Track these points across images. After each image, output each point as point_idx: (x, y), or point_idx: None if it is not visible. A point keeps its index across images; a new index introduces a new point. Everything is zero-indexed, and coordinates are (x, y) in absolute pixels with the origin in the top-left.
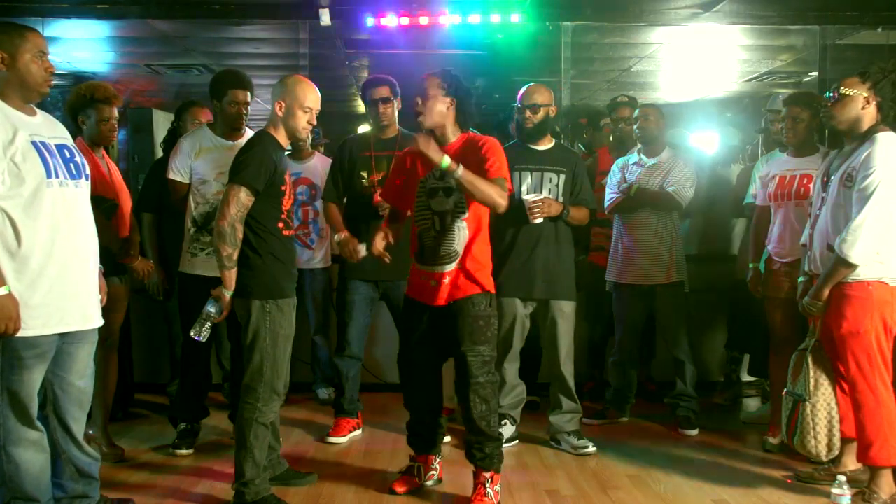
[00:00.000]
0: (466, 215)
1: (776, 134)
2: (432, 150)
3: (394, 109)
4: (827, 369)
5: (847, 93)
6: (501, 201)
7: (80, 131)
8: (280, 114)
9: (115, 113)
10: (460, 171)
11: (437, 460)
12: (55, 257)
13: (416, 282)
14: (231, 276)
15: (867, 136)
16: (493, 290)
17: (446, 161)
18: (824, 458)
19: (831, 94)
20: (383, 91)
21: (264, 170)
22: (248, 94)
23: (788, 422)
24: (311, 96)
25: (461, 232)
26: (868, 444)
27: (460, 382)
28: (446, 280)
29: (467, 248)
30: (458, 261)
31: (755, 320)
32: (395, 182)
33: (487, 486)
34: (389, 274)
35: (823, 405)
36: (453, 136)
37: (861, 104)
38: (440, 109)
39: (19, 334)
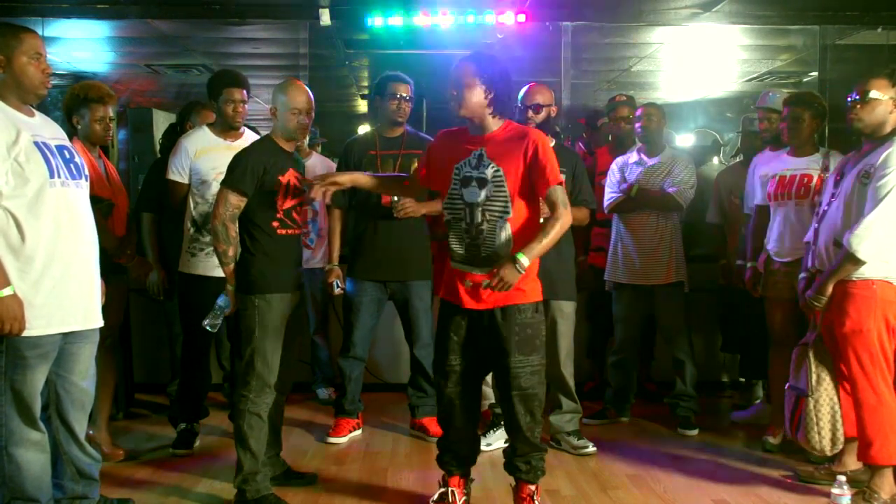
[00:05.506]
0: (511, 216)
1: (765, 132)
2: (508, 273)
3: (409, 110)
4: (829, 364)
5: (876, 96)
6: (570, 223)
7: (75, 131)
8: (274, 118)
9: (110, 112)
10: (526, 261)
11: (470, 484)
12: (58, 257)
13: (450, 280)
14: (230, 271)
15: (888, 137)
16: (540, 298)
17: (525, 262)
18: (828, 453)
19: (857, 96)
20: (406, 89)
21: (250, 172)
22: (245, 92)
23: (792, 417)
24: (297, 98)
25: (505, 234)
26: (869, 442)
27: (504, 393)
28: (486, 283)
29: (512, 252)
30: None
31: (747, 322)
32: (422, 171)
33: (535, 500)
34: (398, 274)
35: (826, 400)
36: (495, 124)
37: (889, 108)
38: (477, 100)
39: (23, 334)
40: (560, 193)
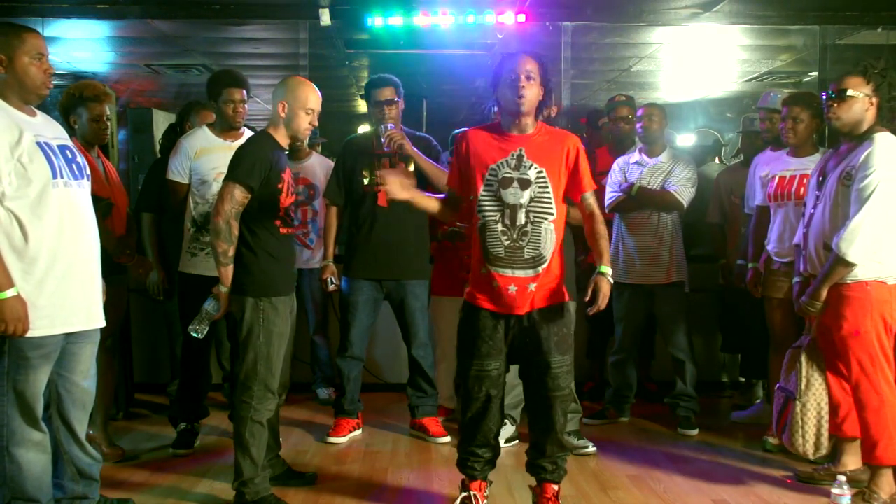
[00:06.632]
0: (555, 217)
1: (766, 132)
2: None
3: (398, 111)
4: (820, 368)
5: (853, 94)
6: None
7: (72, 131)
8: (283, 115)
9: (107, 111)
10: (610, 270)
11: (488, 487)
12: (61, 257)
13: (486, 286)
14: (227, 272)
15: (865, 136)
16: (568, 299)
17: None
18: (811, 457)
19: (833, 94)
20: (388, 93)
21: (258, 168)
22: (244, 92)
23: (779, 417)
24: (312, 98)
25: (550, 235)
26: (873, 443)
27: (539, 394)
28: (532, 286)
29: (554, 253)
30: (545, 266)
31: (747, 322)
32: (457, 170)
33: (559, 500)
34: (394, 273)
35: (813, 404)
36: (532, 125)
37: (866, 105)
38: (536, 96)
39: (26, 335)
40: (594, 199)
